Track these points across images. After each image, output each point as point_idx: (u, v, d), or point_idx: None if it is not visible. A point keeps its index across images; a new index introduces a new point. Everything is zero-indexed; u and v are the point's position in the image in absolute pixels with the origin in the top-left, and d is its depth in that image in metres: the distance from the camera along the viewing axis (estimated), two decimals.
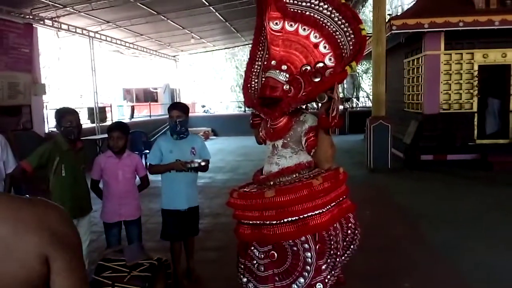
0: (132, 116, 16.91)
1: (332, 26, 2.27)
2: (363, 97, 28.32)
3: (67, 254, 0.85)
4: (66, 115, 3.18)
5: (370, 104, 15.77)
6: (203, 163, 3.49)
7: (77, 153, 3.30)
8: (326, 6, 2.28)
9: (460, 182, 7.70)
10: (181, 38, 15.37)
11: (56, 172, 3.14)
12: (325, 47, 2.27)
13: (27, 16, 9.12)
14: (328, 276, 2.23)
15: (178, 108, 3.58)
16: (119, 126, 3.57)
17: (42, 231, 0.81)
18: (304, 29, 2.30)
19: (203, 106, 23.31)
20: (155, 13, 11.23)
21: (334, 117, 2.08)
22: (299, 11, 2.32)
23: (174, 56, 19.60)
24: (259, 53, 2.63)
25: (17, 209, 0.81)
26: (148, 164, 3.70)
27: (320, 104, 2.16)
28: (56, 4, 9.14)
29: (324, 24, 2.28)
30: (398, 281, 3.68)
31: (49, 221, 0.84)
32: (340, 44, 2.25)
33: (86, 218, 3.40)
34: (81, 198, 3.34)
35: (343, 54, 2.23)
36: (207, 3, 11.13)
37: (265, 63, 2.49)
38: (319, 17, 2.29)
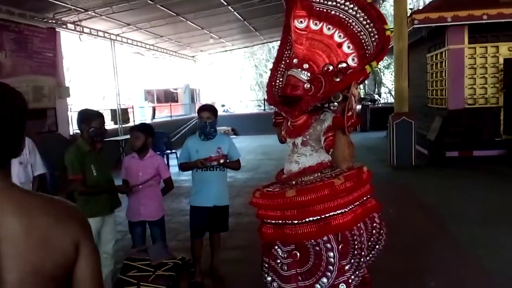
0: (153, 117, 17.13)
1: (356, 26, 2.24)
2: (385, 93, 27.94)
3: (92, 242, 1.01)
4: (93, 118, 3.25)
5: (392, 100, 15.53)
6: (222, 161, 3.54)
7: (98, 154, 3.39)
8: (351, 6, 2.25)
9: (487, 179, 7.50)
10: (200, 38, 15.48)
11: (88, 173, 3.22)
12: (349, 47, 2.25)
13: (50, 21, 9.35)
14: (352, 277, 2.20)
15: (208, 110, 3.69)
16: (138, 126, 3.68)
17: (74, 222, 0.97)
18: (329, 28, 2.28)
19: (223, 106, 23.43)
20: (174, 14, 11.33)
21: (350, 117, 2.02)
22: (324, 10, 2.30)
23: (193, 56, 19.75)
24: (286, 52, 2.62)
25: (51, 204, 0.96)
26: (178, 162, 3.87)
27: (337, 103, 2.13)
28: (78, 8, 9.33)
29: (348, 24, 2.25)
30: (424, 279, 3.61)
31: (76, 214, 1.00)
32: (364, 44, 2.21)
33: (112, 217, 3.47)
34: (112, 195, 3.46)
35: (367, 54, 2.19)
36: (225, 3, 11.16)
37: (288, 61, 2.48)
38: (344, 17, 2.26)
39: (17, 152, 0.99)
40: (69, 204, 1.01)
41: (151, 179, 3.54)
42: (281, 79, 2.59)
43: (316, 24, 2.30)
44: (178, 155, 4.39)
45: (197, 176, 3.74)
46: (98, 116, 3.33)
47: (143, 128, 3.64)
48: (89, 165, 3.23)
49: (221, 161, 3.56)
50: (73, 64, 21.82)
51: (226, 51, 21.04)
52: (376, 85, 26.86)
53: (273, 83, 2.61)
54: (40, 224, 0.90)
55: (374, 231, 2.36)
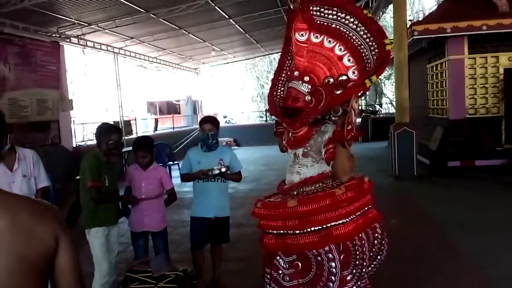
0: (155, 128, 17.19)
1: (357, 40, 2.27)
2: (386, 103, 27.98)
3: (69, 236, 1.14)
4: (112, 132, 3.42)
5: (393, 111, 15.56)
6: (223, 169, 3.57)
7: (113, 165, 3.51)
8: (352, 20, 2.28)
9: (489, 188, 7.49)
10: (202, 51, 15.62)
11: (101, 182, 3.32)
12: (349, 60, 2.28)
13: (54, 35, 9.48)
14: (354, 287, 2.21)
15: (210, 122, 3.72)
16: (143, 144, 3.67)
17: (54, 218, 1.12)
18: (330, 41, 2.31)
19: (225, 117, 23.49)
20: (177, 27, 11.47)
21: (349, 131, 2.05)
22: (325, 23, 2.33)
23: (195, 68, 19.90)
24: (287, 62, 2.65)
25: (31, 204, 1.12)
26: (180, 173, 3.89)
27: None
28: (81, 23, 9.46)
29: (349, 37, 2.28)
30: None
31: (54, 212, 1.15)
32: (365, 57, 2.24)
33: (116, 227, 3.51)
34: (118, 205, 3.56)
35: (367, 68, 2.22)
36: (227, 16, 11.30)
37: (288, 73, 2.51)
38: (345, 30, 2.29)
39: None
40: (47, 204, 1.17)
41: (157, 196, 3.62)
42: (282, 89, 2.62)
43: (317, 37, 2.33)
44: (180, 166, 4.44)
45: (198, 187, 3.75)
46: (117, 130, 3.52)
47: (148, 146, 3.67)
48: (103, 175, 3.33)
49: (223, 169, 3.58)
50: (76, 77, 21.96)
51: (227, 63, 21.19)
52: (377, 96, 26.96)
53: (275, 93, 2.65)
54: (23, 220, 1.04)
55: (375, 242, 2.37)
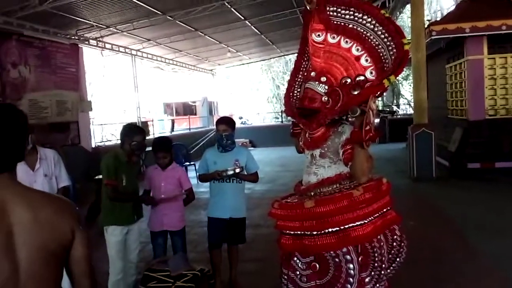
0: (172, 129, 17.34)
1: (375, 40, 2.25)
2: (404, 104, 27.65)
3: (84, 231, 1.28)
4: (136, 133, 3.46)
5: (411, 111, 15.35)
6: (237, 170, 3.58)
7: (133, 166, 3.56)
8: (369, 20, 2.27)
9: (509, 190, 7.32)
10: (217, 52, 15.69)
11: (118, 182, 3.37)
12: (367, 60, 2.26)
13: (73, 37, 9.65)
14: None
15: (225, 123, 3.73)
16: (162, 145, 3.72)
17: (71, 214, 1.25)
18: (347, 41, 2.29)
19: (241, 118, 23.53)
20: (193, 29, 11.56)
21: (367, 131, 2.04)
22: (342, 23, 2.32)
23: (211, 70, 20.00)
24: (304, 63, 2.65)
25: (50, 199, 1.26)
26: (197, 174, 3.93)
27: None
28: (100, 25, 9.61)
29: (366, 37, 2.26)
30: None
31: (72, 208, 1.28)
32: (382, 57, 2.22)
33: (136, 225, 3.56)
34: (137, 205, 3.58)
35: (385, 68, 2.20)
36: (242, 17, 11.33)
37: (305, 74, 2.50)
38: (362, 30, 2.28)
39: (22, 157, 1.25)
40: (66, 200, 1.31)
41: (177, 196, 3.65)
42: (299, 90, 2.62)
43: (333, 37, 2.32)
44: (196, 167, 4.49)
45: (214, 188, 3.78)
46: (141, 132, 3.55)
47: (168, 147, 3.72)
48: (121, 174, 3.38)
49: (237, 170, 3.59)
50: (95, 79, 22.32)
51: (243, 64, 21.24)
52: (395, 96, 26.65)
53: (291, 94, 2.64)
54: (45, 214, 1.17)
55: (394, 244, 2.35)
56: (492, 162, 8.62)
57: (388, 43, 2.22)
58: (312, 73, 2.32)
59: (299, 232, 2.26)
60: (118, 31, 10.33)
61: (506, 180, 8.00)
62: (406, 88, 27.49)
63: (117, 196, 3.37)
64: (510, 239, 4.74)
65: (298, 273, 2.28)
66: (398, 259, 2.39)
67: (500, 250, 4.43)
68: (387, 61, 2.21)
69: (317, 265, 2.20)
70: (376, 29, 2.26)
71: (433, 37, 8.82)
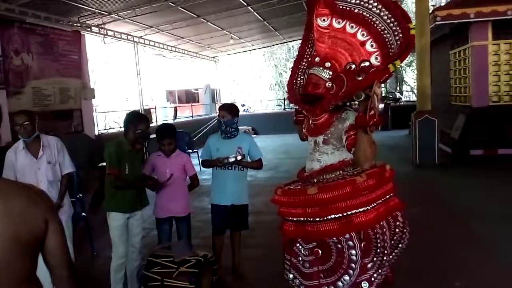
0: (175, 117, 17.33)
1: (380, 25, 2.23)
2: (407, 91, 27.50)
3: (57, 219, 1.27)
4: (140, 121, 3.46)
5: (414, 98, 15.28)
6: (239, 157, 3.60)
7: (137, 154, 3.56)
8: (375, 4, 2.25)
9: None
10: (220, 39, 15.58)
11: (121, 170, 3.39)
12: (372, 46, 2.24)
13: (75, 24, 9.59)
14: (375, 275, 2.21)
15: (224, 109, 3.76)
16: (167, 132, 3.72)
17: (44, 203, 1.23)
18: (352, 26, 2.27)
19: (243, 105, 23.49)
20: (196, 16, 11.46)
21: (372, 116, 2.03)
22: (347, 8, 2.30)
23: (213, 57, 19.89)
24: (307, 50, 2.62)
25: (24, 189, 1.23)
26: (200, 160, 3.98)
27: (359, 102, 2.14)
28: (102, 12, 9.54)
29: (372, 22, 2.24)
30: (449, 279, 3.57)
31: (44, 197, 1.26)
32: (388, 43, 2.20)
33: (138, 213, 3.59)
34: (141, 193, 3.60)
35: (390, 53, 2.18)
36: (245, 3, 11.22)
37: (309, 60, 2.48)
38: (367, 15, 2.25)
39: None
40: (37, 189, 1.29)
41: (177, 176, 3.65)
42: (302, 77, 2.60)
43: (339, 22, 2.30)
44: (199, 154, 4.52)
45: (216, 174, 3.81)
46: (145, 120, 3.55)
47: (172, 134, 3.73)
48: (124, 163, 3.40)
49: (239, 158, 3.60)
50: (97, 66, 22.26)
51: (246, 51, 21.10)
52: (398, 83, 26.48)
53: (294, 81, 2.63)
54: (16, 204, 1.16)
55: (397, 230, 2.36)
56: (495, 149, 8.60)
57: (394, 28, 2.20)
58: (317, 59, 2.30)
59: (302, 219, 2.27)
60: (120, 17, 10.26)
61: (508, 167, 7.98)
62: (410, 75, 27.32)
63: (119, 185, 3.39)
64: None
65: (300, 259, 2.29)
66: (400, 246, 2.40)
67: (502, 237, 4.44)
68: (392, 46, 2.19)
69: (320, 251, 2.22)
70: (382, 13, 2.23)
71: (437, 23, 8.73)
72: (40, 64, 8.28)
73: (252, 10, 12.07)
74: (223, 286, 3.69)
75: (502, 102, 8.91)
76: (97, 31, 10.60)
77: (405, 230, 2.40)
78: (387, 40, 2.21)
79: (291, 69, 2.71)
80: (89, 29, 10.21)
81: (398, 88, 26.36)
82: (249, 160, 3.83)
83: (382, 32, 2.23)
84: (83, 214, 4.79)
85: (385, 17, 2.23)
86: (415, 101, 10.18)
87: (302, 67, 2.62)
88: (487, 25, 8.71)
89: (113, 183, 3.37)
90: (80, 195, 4.91)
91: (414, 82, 17.98)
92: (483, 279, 3.57)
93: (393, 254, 2.39)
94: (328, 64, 2.25)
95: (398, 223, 2.37)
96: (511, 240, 4.35)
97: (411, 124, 9.00)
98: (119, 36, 11.80)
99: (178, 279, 3.16)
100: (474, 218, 5.17)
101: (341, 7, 2.31)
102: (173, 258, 3.27)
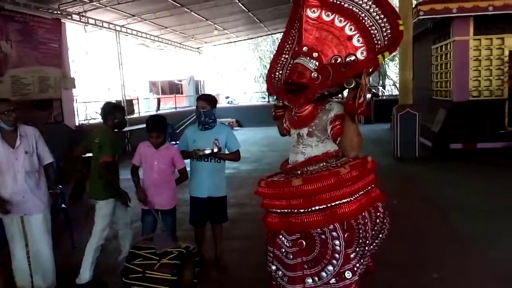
0: (158, 108, 17.17)
1: (369, 20, 2.25)
2: (390, 85, 27.81)
3: None
4: (117, 110, 3.69)
5: (397, 92, 15.45)
6: (215, 150, 3.59)
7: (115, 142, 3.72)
8: (366, 0, 2.27)
9: (491, 171, 7.50)
10: (204, 30, 15.43)
11: (114, 158, 3.61)
12: (358, 41, 2.25)
13: (55, 12, 9.35)
14: (357, 265, 2.24)
15: (203, 99, 3.73)
16: (157, 124, 3.63)
17: None
18: (341, 20, 2.29)
19: (227, 97, 23.41)
20: (179, 5, 11.31)
21: (360, 104, 2.06)
22: (338, 2, 2.31)
23: (198, 48, 19.70)
24: (287, 46, 2.63)
25: None
26: None
27: (347, 92, 2.14)
28: None
29: (361, 18, 2.26)
30: (427, 271, 3.64)
31: None
32: (375, 39, 2.22)
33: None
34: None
35: (376, 49, 2.20)
36: None
37: (296, 49, 2.46)
38: (357, 10, 2.27)
39: None
40: None
41: (164, 169, 3.67)
42: (280, 72, 2.61)
43: (328, 15, 2.31)
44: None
45: (193, 166, 3.78)
46: (122, 109, 3.79)
47: (162, 126, 3.66)
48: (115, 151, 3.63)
49: (215, 150, 3.58)
50: (78, 56, 21.82)
51: (230, 42, 20.95)
52: (381, 77, 26.75)
53: (272, 75, 2.63)
54: None
55: (378, 220, 2.40)
56: (474, 143, 8.80)
57: (383, 24, 2.22)
58: (304, 48, 2.29)
59: (285, 210, 2.28)
60: (101, 5, 10.05)
61: (487, 161, 8.18)
62: (392, 69, 27.60)
63: (109, 177, 3.55)
64: (492, 220, 4.87)
65: (283, 250, 2.30)
66: (380, 236, 2.45)
67: (480, 230, 4.55)
68: (379, 42, 2.21)
69: (304, 242, 2.23)
70: (371, 9, 2.26)
71: (420, 17, 8.83)
72: (19, 52, 8.07)
73: (237, 1, 11.97)
74: (205, 278, 3.68)
75: (482, 97, 9.10)
76: (78, 19, 10.38)
77: (385, 221, 2.45)
78: (373, 36, 2.23)
79: (270, 63, 2.71)
80: (69, 17, 9.98)
81: (381, 82, 26.64)
82: (226, 151, 3.80)
83: (369, 28, 2.25)
84: (63, 205, 4.71)
85: (374, 13, 2.25)
86: (398, 95, 10.29)
87: (281, 62, 2.62)
88: (469, 20, 8.86)
89: (110, 169, 3.54)
90: (60, 186, 4.82)
91: (397, 76, 18.17)
92: (461, 271, 3.65)
93: (374, 244, 2.43)
94: (315, 55, 2.26)
95: (378, 213, 2.41)
96: (488, 232, 4.46)
97: (393, 118, 9.11)
98: (101, 25, 11.57)
99: (159, 271, 3.14)
100: (453, 211, 5.27)
101: (331, 0, 2.32)
102: (155, 250, 3.24)
